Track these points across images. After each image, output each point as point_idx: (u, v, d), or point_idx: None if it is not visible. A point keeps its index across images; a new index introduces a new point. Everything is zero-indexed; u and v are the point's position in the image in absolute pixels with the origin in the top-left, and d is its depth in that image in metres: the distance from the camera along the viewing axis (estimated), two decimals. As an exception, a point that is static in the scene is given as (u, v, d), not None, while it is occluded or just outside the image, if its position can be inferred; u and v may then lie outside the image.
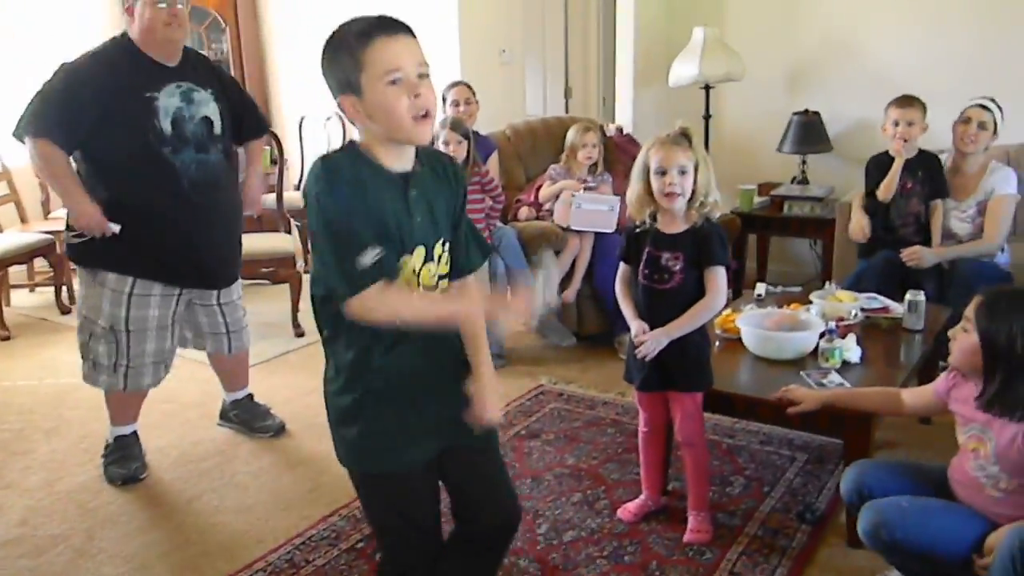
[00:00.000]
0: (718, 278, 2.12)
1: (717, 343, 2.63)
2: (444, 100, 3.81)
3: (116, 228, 2.49)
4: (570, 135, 3.86)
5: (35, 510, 2.57)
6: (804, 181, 4.48)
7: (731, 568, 2.17)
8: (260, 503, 2.57)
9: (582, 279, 3.70)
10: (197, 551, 2.34)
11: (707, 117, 4.56)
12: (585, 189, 3.71)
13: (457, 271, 1.54)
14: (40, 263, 4.74)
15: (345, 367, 1.47)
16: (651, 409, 2.32)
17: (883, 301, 2.93)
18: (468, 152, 3.50)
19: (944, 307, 2.93)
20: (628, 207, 2.21)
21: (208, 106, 2.58)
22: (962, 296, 2.98)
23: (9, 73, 4.74)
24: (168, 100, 2.49)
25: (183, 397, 3.35)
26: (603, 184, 3.80)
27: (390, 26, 1.36)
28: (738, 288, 4.01)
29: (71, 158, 2.50)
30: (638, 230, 2.22)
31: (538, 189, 3.89)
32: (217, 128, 2.61)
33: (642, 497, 2.42)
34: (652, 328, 2.16)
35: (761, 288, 3.15)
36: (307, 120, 5.49)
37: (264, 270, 4.04)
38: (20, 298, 4.83)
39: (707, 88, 4.52)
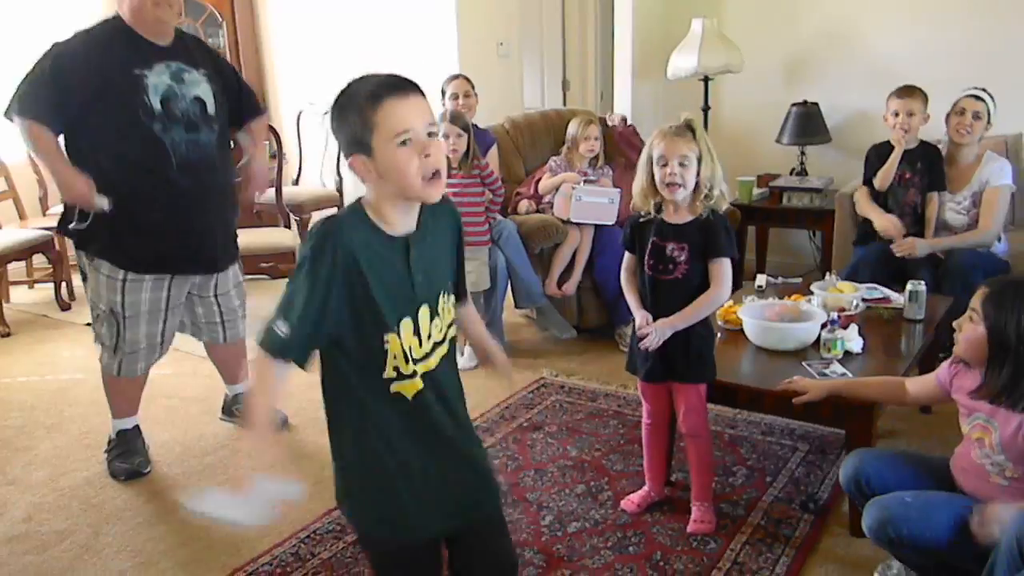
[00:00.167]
0: (724, 270, 2.13)
1: (719, 334, 2.63)
2: (443, 93, 3.81)
3: (105, 203, 2.46)
4: (571, 128, 3.86)
5: (39, 506, 2.57)
6: (803, 172, 4.49)
7: (735, 558, 2.18)
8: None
9: (582, 271, 3.70)
10: (202, 545, 2.34)
11: (706, 109, 4.56)
12: (585, 182, 3.71)
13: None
14: (39, 259, 4.73)
15: (350, 440, 1.48)
16: (655, 401, 2.33)
17: (883, 291, 2.94)
18: (468, 145, 3.50)
19: (944, 297, 2.95)
20: (634, 197, 2.22)
21: (200, 86, 2.56)
22: (958, 286, 3.04)
23: (3, 57, 4.71)
24: (158, 78, 2.48)
25: (185, 392, 3.36)
26: (603, 177, 3.80)
27: (401, 86, 1.36)
28: (738, 280, 4.01)
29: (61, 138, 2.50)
30: (642, 219, 2.23)
31: (537, 182, 3.89)
32: (210, 108, 2.58)
33: (645, 488, 2.43)
34: (656, 318, 2.17)
35: (761, 279, 3.16)
36: (305, 114, 5.48)
37: (264, 265, 4.05)
38: (19, 295, 4.83)
39: (706, 80, 4.51)
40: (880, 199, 3.41)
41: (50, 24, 2.55)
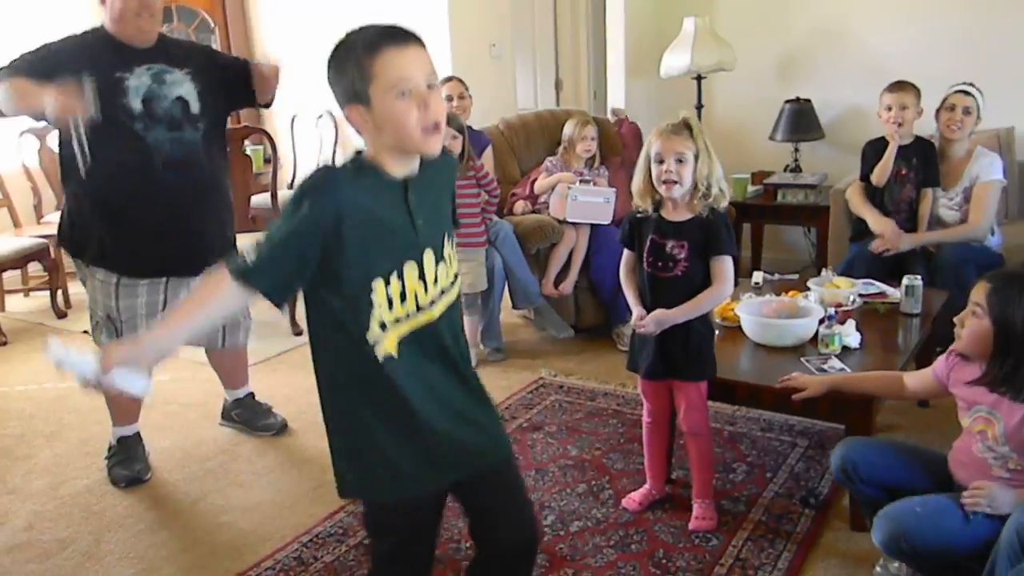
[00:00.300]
0: (725, 267, 2.14)
1: (717, 332, 2.64)
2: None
3: (92, 107, 2.35)
4: (568, 128, 3.87)
5: (40, 515, 2.56)
6: (797, 169, 4.50)
7: (737, 554, 2.19)
8: (265, 502, 2.58)
9: (579, 271, 3.71)
10: (205, 551, 2.34)
11: (699, 107, 4.57)
12: (581, 182, 3.72)
13: None
14: (34, 267, 4.71)
15: (339, 399, 1.47)
16: (655, 399, 2.34)
17: (880, 286, 2.95)
18: (463, 147, 3.50)
19: (940, 291, 2.96)
20: (633, 195, 2.22)
21: (182, 86, 2.55)
22: (951, 280, 3.05)
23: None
24: (138, 80, 2.48)
25: (184, 398, 3.35)
26: (599, 177, 3.81)
27: (400, 36, 1.34)
28: (735, 277, 4.02)
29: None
30: (640, 215, 2.23)
31: (533, 182, 3.89)
32: (194, 107, 2.56)
33: (646, 486, 2.44)
34: (654, 316, 2.18)
35: (758, 276, 3.17)
36: (298, 119, 5.48)
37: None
38: (15, 303, 4.81)
39: (699, 78, 4.53)
40: (876, 196, 3.42)
41: (41, 36, 2.52)
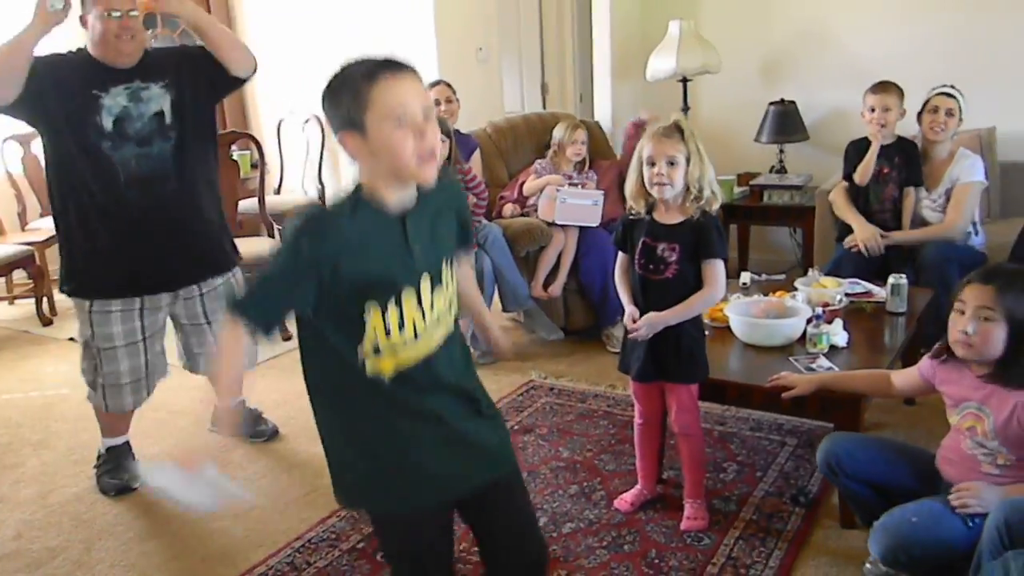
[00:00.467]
0: (716, 270, 2.15)
1: (708, 332, 2.66)
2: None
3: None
4: (558, 132, 3.88)
5: (29, 523, 2.55)
6: (782, 170, 4.54)
7: (729, 553, 2.20)
8: (257, 507, 2.57)
9: (568, 273, 3.72)
10: (196, 558, 2.34)
11: (685, 109, 4.60)
12: (569, 185, 3.73)
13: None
14: (19, 275, 4.69)
15: (337, 423, 1.49)
16: (646, 402, 2.35)
17: (866, 286, 2.98)
18: (450, 151, 3.51)
19: (925, 290, 2.99)
20: (627, 197, 2.23)
21: (160, 100, 2.52)
22: (934, 279, 3.08)
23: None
24: (114, 100, 2.46)
25: (174, 405, 3.33)
26: (588, 181, 3.83)
27: (396, 66, 1.35)
28: (724, 279, 4.06)
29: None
30: (633, 217, 2.25)
31: (522, 185, 3.90)
32: (168, 118, 2.53)
33: (638, 487, 2.45)
34: (647, 317, 2.19)
35: (746, 276, 3.19)
36: (285, 123, 5.47)
37: (247, 274, 4.02)
38: (0, 311, 4.78)
39: (684, 81, 4.55)
40: (860, 195, 3.45)
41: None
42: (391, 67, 1.34)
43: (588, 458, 2.75)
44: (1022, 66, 3.98)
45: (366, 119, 1.33)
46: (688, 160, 2.10)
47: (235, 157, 4.63)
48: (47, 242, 4.42)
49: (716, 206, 2.16)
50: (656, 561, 2.18)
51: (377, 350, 1.40)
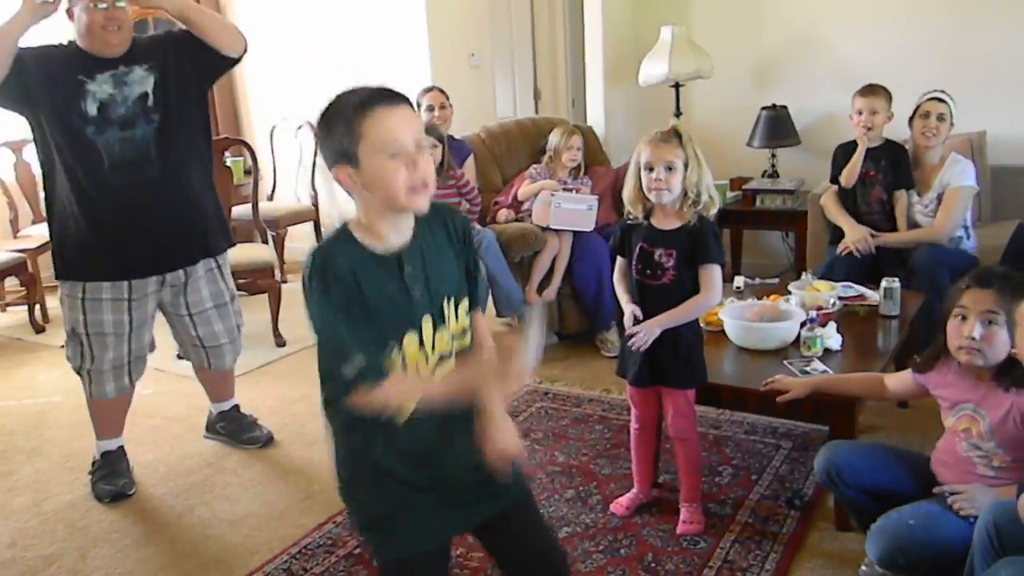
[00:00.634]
0: (713, 276, 2.16)
1: (702, 337, 2.67)
2: (419, 106, 3.83)
3: None
4: (554, 138, 3.89)
5: (24, 531, 2.54)
6: (774, 175, 4.55)
7: (725, 556, 2.21)
8: (252, 514, 2.57)
9: (562, 278, 3.73)
10: (192, 565, 2.33)
11: (678, 115, 4.61)
12: (564, 190, 3.74)
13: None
14: (11, 282, 4.67)
15: (353, 455, 1.48)
16: (643, 406, 2.36)
17: (859, 289, 3.00)
18: (443, 156, 3.52)
19: (917, 293, 3.01)
20: (625, 203, 2.24)
21: (144, 82, 2.52)
22: (925, 282, 3.09)
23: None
24: (100, 87, 2.47)
25: (167, 411, 3.33)
26: (582, 187, 3.85)
27: (390, 97, 1.35)
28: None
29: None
30: (631, 223, 2.26)
31: (516, 190, 3.91)
32: (150, 100, 2.52)
33: (634, 491, 2.46)
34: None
35: (739, 280, 3.21)
36: (278, 129, 5.47)
37: (241, 281, 4.01)
38: (-8, 318, 4.76)
39: (677, 86, 4.57)
40: (848, 197, 3.48)
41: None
42: (384, 98, 1.34)
43: (584, 462, 2.76)
44: (1012, 70, 4.01)
45: (359, 151, 1.33)
46: (686, 165, 2.11)
47: (229, 163, 4.63)
48: (39, 249, 4.41)
49: (714, 211, 2.17)
50: (652, 565, 2.18)
51: None
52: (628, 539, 2.30)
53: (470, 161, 3.91)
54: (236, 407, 3.07)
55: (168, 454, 3.00)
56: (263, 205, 4.69)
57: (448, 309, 1.45)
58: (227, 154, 4.67)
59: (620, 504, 2.44)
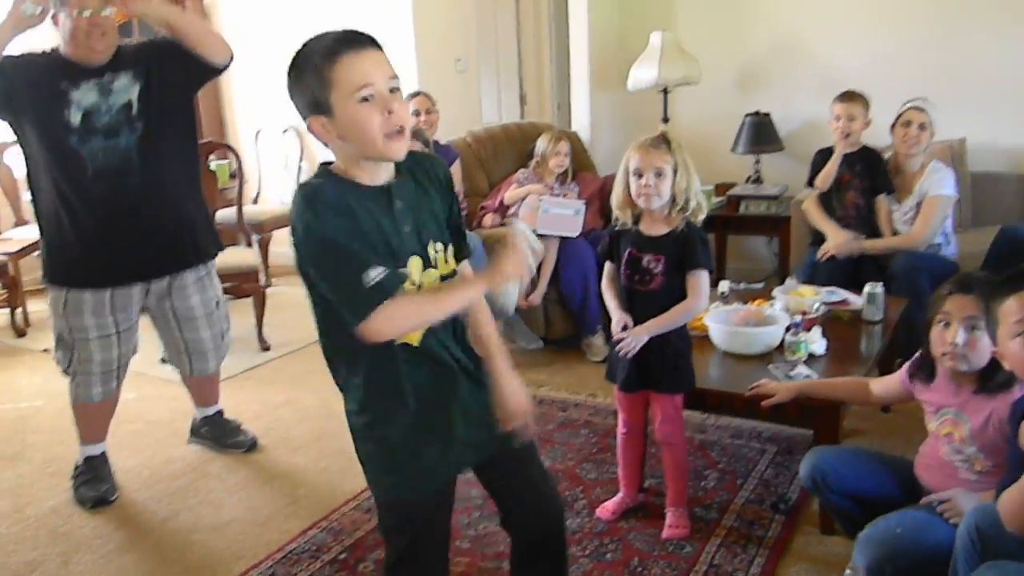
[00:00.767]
0: (700, 281, 2.17)
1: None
2: (404, 110, 3.82)
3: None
4: (541, 143, 3.90)
5: (5, 537, 2.51)
6: (759, 180, 4.59)
7: (711, 560, 2.21)
8: (237, 519, 2.55)
9: (548, 283, 3.73)
10: (176, 571, 2.31)
11: (665, 120, 4.64)
12: (551, 195, 3.75)
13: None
14: (-9, 286, 4.62)
15: (362, 400, 1.47)
16: (631, 411, 2.36)
17: (842, 294, 3.02)
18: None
19: (900, 298, 3.04)
20: (613, 208, 2.25)
21: (129, 90, 2.50)
22: (904, 287, 3.12)
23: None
24: (84, 96, 2.45)
25: (150, 416, 3.31)
26: (569, 192, 3.85)
27: (357, 41, 1.32)
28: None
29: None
30: (619, 229, 2.26)
31: (503, 194, 3.92)
32: (134, 109, 2.50)
33: (620, 495, 2.46)
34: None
35: (724, 285, 3.22)
36: (263, 133, 5.45)
37: (226, 285, 3.99)
38: (-29, 322, 4.71)
39: (664, 92, 4.59)
40: (825, 201, 3.52)
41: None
42: (351, 42, 1.32)
43: (570, 467, 2.76)
44: (992, 78, 4.06)
45: (331, 99, 1.31)
46: (675, 171, 2.12)
47: (213, 167, 4.61)
48: (21, 252, 4.37)
49: (701, 216, 2.18)
50: (639, 569, 2.19)
51: None
52: (614, 543, 2.31)
53: (456, 166, 3.91)
54: (220, 412, 3.06)
55: (151, 459, 2.97)
56: (248, 209, 4.67)
57: (434, 252, 1.45)
58: (212, 158, 4.65)
59: (606, 508, 2.44)
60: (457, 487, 1.62)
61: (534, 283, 3.73)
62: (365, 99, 1.30)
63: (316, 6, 4.98)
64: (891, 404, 2.70)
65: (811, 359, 2.53)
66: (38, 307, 4.49)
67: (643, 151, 2.13)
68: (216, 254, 2.82)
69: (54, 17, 2.45)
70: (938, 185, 3.35)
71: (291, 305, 4.30)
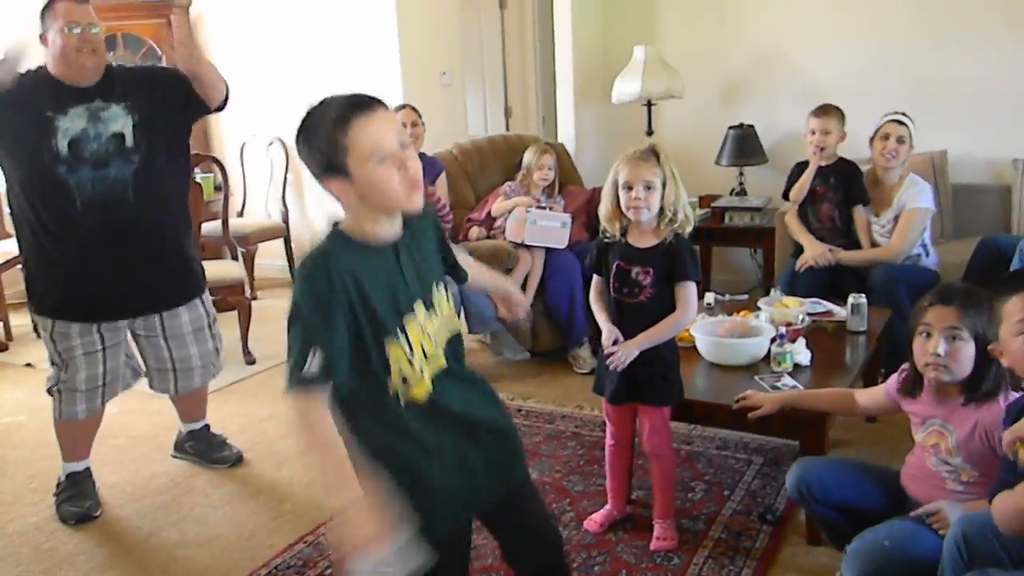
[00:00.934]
0: (689, 293, 2.18)
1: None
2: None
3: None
4: (527, 156, 3.92)
5: (-14, 555, 2.48)
6: (742, 192, 4.62)
7: (699, 572, 2.22)
8: (222, 535, 2.53)
9: (535, 295, 3.73)
10: (161, 587, 2.29)
11: (649, 133, 4.66)
12: (538, 208, 3.76)
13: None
14: (-27, 300, 4.57)
15: (368, 449, 1.47)
16: (619, 423, 2.36)
17: (827, 305, 3.04)
18: (416, 173, 3.52)
19: (884, 309, 3.06)
20: (601, 221, 2.26)
21: (119, 121, 2.47)
22: (883, 298, 3.15)
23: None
24: (72, 122, 2.42)
25: (134, 431, 3.28)
26: (556, 205, 3.87)
27: (365, 104, 1.36)
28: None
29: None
30: (607, 241, 2.27)
31: (490, 207, 3.92)
32: (128, 141, 2.48)
33: (607, 507, 2.46)
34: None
35: (710, 297, 3.24)
36: (248, 146, 5.44)
37: (211, 298, 3.98)
38: (-48, 337, 4.65)
39: (648, 105, 4.62)
40: (802, 213, 3.56)
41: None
42: (360, 106, 1.35)
43: (557, 479, 2.75)
44: (972, 90, 4.11)
45: (348, 163, 1.34)
46: (664, 184, 2.13)
47: (199, 180, 4.59)
48: (2, 266, 4.33)
49: (689, 228, 2.20)
50: (627, 581, 2.19)
51: (405, 380, 1.43)
52: (602, 556, 2.31)
53: (442, 178, 3.91)
54: (206, 427, 3.03)
55: (135, 474, 2.95)
56: (233, 221, 4.65)
57: (434, 294, 1.50)
58: (197, 170, 4.63)
59: (594, 521, 2.44)
60: None
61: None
62: (381, 160, 1.35)
63: (302, 21, 4.99)
64: (877, 415, 2.72)
65: (796, 370, 2.55)
66: (21, 321, 4.46)
67: (632, 164, 2.14)
68: (206, 288, 2.81)
69: (42, 36, 2.44)
70: (916, 198, 3.38)
71: (276, 318, 4.23)
